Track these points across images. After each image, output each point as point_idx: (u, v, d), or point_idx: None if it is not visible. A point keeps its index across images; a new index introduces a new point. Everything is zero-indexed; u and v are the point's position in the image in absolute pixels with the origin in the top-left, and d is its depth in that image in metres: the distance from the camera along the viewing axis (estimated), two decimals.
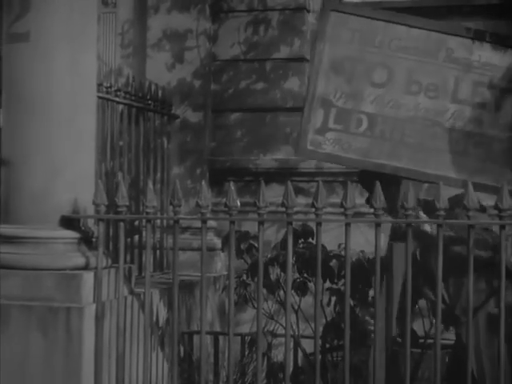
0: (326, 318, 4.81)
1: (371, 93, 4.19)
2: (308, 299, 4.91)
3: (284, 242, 4.18)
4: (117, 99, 5.44)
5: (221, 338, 5.60)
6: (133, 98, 5.66)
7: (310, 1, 6.83)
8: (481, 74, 4.14)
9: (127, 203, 3.99)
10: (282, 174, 6.48)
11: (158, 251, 6.00)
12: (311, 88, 4.24)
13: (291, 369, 4.95)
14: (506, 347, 3.53)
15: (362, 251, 4.84)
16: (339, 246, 4.80)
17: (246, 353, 5.38)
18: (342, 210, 3.65)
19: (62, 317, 3.98)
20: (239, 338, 5.38)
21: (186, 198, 5.42)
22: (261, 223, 3.71)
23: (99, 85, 5.08)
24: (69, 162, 4.20)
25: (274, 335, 5.22)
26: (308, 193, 6.40)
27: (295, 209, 3.70)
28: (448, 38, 4.18)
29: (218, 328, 6.13)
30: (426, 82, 4.17)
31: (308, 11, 6.80)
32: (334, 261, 4.81)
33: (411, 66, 4.18)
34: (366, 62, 4.21)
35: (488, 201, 3.81)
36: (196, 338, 5.42)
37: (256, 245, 4.72)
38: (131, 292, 4.32)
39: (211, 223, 6.21)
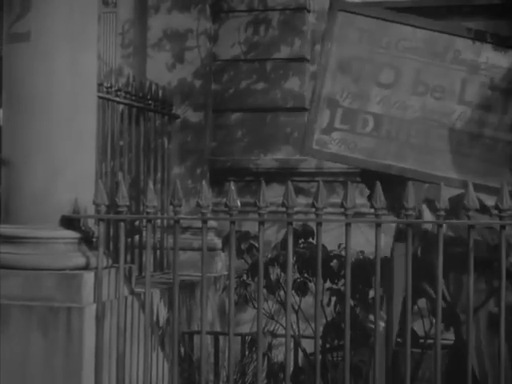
0: (326, 318, 4.82)
1: (378, 93, 4.18)
2: (308, 299, 4.92)
3: (284, 242, 4.19)
4: (117, 99, 5.44)
5: (221, 337, 5.61)
6: (133, 97, 5.66)
7: (311, 1, 6.83)
8: (487, 76, 4.13)
9: (127, 203, 3.99)
10: (283, 174, 6.48)
11: (158, 251, 6.01)
12: (318, 88, 4.23)
13: (291, 369, 4.95)
14: (506, 346, 3.54)
15: (362, 251, 4.84)
16: (339, 246, 4.81)
17: (247, 353, 5.38)
18: (343, 210, 3.65)
19: (62, 317, 3.98)
20: (239, 338, 5.38)
21: (187, 197, 5.43)
22: (261, 223, 3.71)
23: (100, 85, 5.08)
24: (69, 162, 4.20)
25: (275, 335, 5.22)
26: (308, 193, 6.40)
27: (295, 209, 3.70)
28: (455, 40, 4.17)
29: (218, 328, 6.13)
30: (433, 83, 4.16)
31: (308, 11, 6.80)
32: (335, 261, 4.81)
33: (418, 66, 4.17)
34: (373, 63, 4.20)
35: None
36: (196, 337, 5.42)
37: (256, 245, 4.72)
38: (131, 292, 4.32)
39: (212, 223, 6.21)
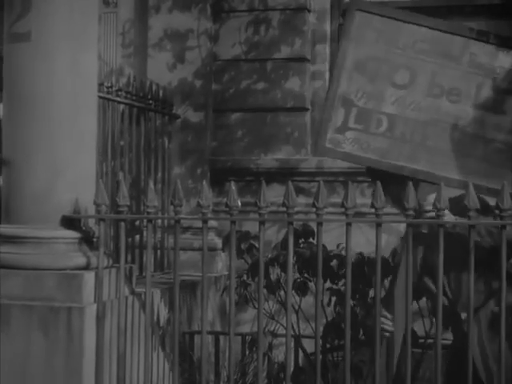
0: (326, 317, 4.82)
1: (393, 94, 4.17)
2: (308, 299, 4.92)
3: (284, 241, 4.19)
4: (118, 99, 5.45)
5: (222, 337, 5.61)
6: (134, 97, 5.66)
7: (311, 1, 6.83)
8: (503, 80, 4.13)
9: (128, 203, 3.99)
10: (283, 174, 6.48)
11: (158, 251, 6.01)
12: (333, 87, 4.22)
13: (292, 369, 4.95)
14: (507, 346, 3.54)
15: (361, 253, 4.84)
16: (338, 246, 4.81)
17: (247, 353, 5.38)
18: (343, 209, 3.65)
19: (63, 317, 3.98)
20: (240, 337, 5.38)
21: (187, 197, 5.44)
22: (262, 223, 3.71)
23: (100, 85, 5.08)
24: (70, 162, 4.20)
25: (275, 335, 5.23)
26: (309, 193, 6.40)
27: (296, 209, 3.70)
28: (472, 43, 4.16)
29: (218, 328, 6.13)
30: (449, 85, 4.15)
31: (309, 11, 6.80)
32: (335, 261, 4.81)
33: (434, 68, 4.16)
34: (389, 63, 4.19)
35: None
36: (197, 337, 5.43)
37: (257, 245, 4.72)
38: (132, 292, 4.32)
39: (212, 223, 6.21)
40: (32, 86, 4.20)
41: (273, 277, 4.94)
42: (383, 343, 4.01)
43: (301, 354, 5.20)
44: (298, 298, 4.97)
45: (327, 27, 6.86)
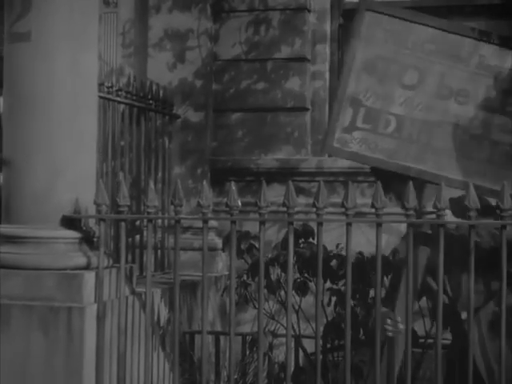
0: (326, 317, 4.82)
1: (401, 94, 4.17)
2: (309, 299, 4.91)
3: (285, 241, 4.19)
4: (118, 99, 5.44)
5: (222, 337, 5.61)
6: (134, 97, 5.66)
7: (311, 1, 6.83)
8: (507, 81, 4.13)
9: (128, 203, 4.00)
10: (283, 174, 6.48)
11: (159, 251, 6.01)
12: (342, 86, 4.22)
13: (292, 368, 4.95)
14: (508, 345, 3.54)
15: (361, 252, 4.84)
16: (337, 246, 4.80)
17: (248, 353, 5.38)
18: (343, 209, 3.65)
19: (63, 316, 3.98)
20: (240, 337, 5.38)
21: (188, 197, 5.44)
22: (262, 223, 3.71)
23: (100, 84, 5.08)
24: (70, 162, 4.20)
25: (275, 335, 5.22)
26: (309, 193, 6.40)
27: (296, 209, 3.70)
28: (481, 45, 4.16)
29: (219, 328, 6.13)
30: (457, 87, 4.15)
31: (309, 11, 6.80)
32: (335, 261, 4.81)
33: (443, 70, 4.16)
34: (398, 64, 4.19)
35: None
36: (197, 337, 5.42)
37: (257, 245, 4.72)
38: (132, 292, 4.32)
39: (212, 223, 6.21)
40: (32, 85, 4.20)
41: (273, 277, 4.93)
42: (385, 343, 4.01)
43: (301, 353, 5.20)
44: (298, 298, 4.96)
45: (327, 27, 6.85)
